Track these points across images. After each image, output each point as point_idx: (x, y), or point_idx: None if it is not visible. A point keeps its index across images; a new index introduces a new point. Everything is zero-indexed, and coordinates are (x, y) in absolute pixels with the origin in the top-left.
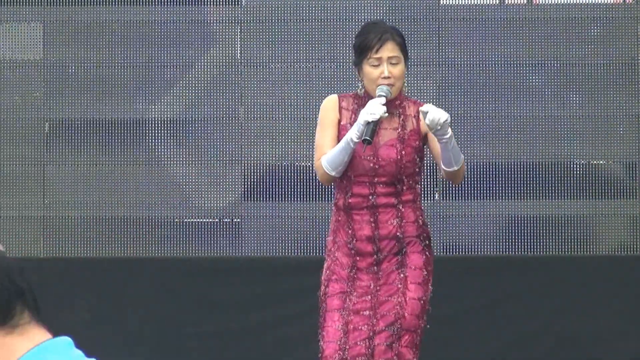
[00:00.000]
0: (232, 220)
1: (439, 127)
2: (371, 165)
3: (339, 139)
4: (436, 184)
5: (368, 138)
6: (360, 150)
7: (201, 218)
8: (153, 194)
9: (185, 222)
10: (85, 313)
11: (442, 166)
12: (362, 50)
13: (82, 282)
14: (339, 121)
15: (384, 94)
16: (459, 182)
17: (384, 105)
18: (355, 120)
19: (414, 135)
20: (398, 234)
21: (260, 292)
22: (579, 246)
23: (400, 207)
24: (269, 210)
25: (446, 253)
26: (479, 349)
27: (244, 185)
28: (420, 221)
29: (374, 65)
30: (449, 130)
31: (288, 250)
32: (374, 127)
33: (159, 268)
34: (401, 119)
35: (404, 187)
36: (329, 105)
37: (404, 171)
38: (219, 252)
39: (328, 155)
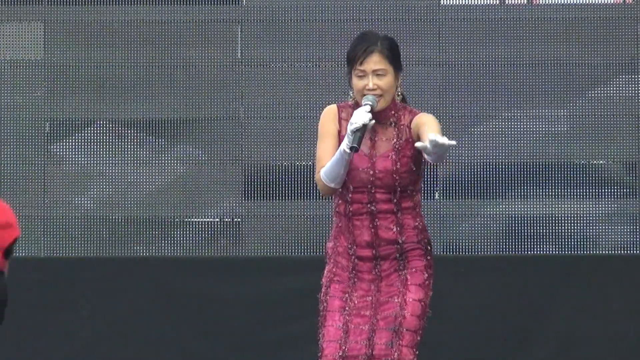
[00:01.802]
0: (233, 219)
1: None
2: (368, 177)
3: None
4: (436, 184)
5: (355, 145)
6: (358, 162)
7: (201, 218)
8: (153, 194)
9: (186, 221)
10: (85, 312)
11: (426, 157)
12: (349, 61)
13: (82, 282)
14: (339, 132)
15: (370, 103)
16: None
17: (369, 112)
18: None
19: (409, 145)
20: (398, 239)
21: (260, 292)
22: (579, 246)
23: (400, 214)
24: (269, 210)
25: (446, 253)
26: (479, 349)
27: (244, 185)
28: (420, 226)
29: (359, 77)
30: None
31: (288, 250)
32: (360, 135)
33: (159, 268)
34: (396, 129)
35: (403, 195)
36: (328, 117)
37: (401, 181)
38: (219, 252)
39: (326, 167)
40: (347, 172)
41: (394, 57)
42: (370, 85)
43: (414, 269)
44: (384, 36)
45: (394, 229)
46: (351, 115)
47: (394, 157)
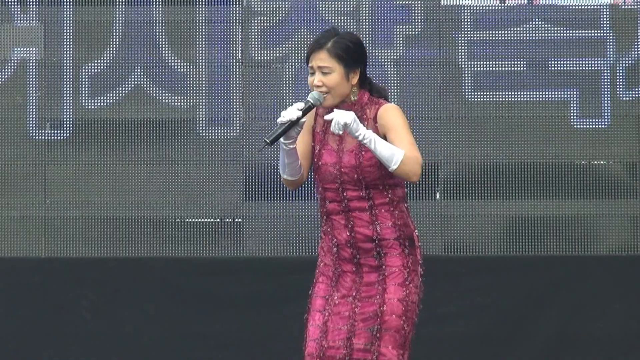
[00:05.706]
0: (234, 220)
1: (343, 129)
2: (335, 172)
3: (313, 146)
4: (437, 184)
5: (266, 140)
6: (327, 158)
7: (203, 218)
8: (154, 194)
9: (187, 222)
10: (86, 312)
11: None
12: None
13: (83, 282)
14: (313, 128)
15: (310, 100)
16: (413, 180)
17: (301, 109)
18: (323, 126)
19: None
20: (374, 237)
21: (261, 292)
22: (579, 246)
23: (374, 211)
24: (270, 210)
25: (446, 253)
26: (479, 349)
27: (246, 185)
28: (400, 223)
29: (310, 73)
30: (360, 131)
31: (289, 250)
32: (280, 131)
33: (160, 268)
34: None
35: (375, 191)
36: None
37: (366, 176)
38: (220, 252)
39: None
40: (295, 163)
41: (346, 55)
42: (316, 81)
43: (392, 268)
44: (342, 34)
45: (369, 227)
46: (325, 111)
47: (357, 152)
